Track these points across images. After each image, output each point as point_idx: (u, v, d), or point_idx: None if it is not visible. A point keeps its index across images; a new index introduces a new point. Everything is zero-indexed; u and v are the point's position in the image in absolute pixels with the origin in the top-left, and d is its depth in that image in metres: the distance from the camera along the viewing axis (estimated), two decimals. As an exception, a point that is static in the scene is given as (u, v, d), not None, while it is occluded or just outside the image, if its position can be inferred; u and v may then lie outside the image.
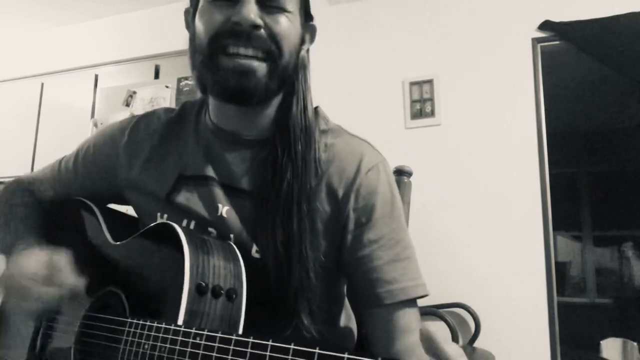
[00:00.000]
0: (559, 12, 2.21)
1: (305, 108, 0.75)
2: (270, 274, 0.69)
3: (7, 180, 0.94)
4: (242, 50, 0.67)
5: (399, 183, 1.11)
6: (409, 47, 2.46)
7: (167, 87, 2.98)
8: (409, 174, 1.14)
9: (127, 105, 3.05)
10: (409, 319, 0.71)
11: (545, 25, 2.22)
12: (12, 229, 0.84)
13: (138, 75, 3.14)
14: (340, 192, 0.72)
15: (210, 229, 0.74)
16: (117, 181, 0.84)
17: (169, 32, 2.99)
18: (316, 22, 0.79)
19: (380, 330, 0.72)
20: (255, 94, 0.69)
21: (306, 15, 0.76)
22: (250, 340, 0.48)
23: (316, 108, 0.80)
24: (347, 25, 2.59)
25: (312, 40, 0.79)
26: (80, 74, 3.31)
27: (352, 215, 0.72)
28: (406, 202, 1.10)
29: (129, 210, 0.87)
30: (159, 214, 0.77)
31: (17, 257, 0.73)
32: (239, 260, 0.66)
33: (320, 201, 0.72)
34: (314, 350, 0.42)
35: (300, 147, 0.72)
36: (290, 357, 0.44)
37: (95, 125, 3.09)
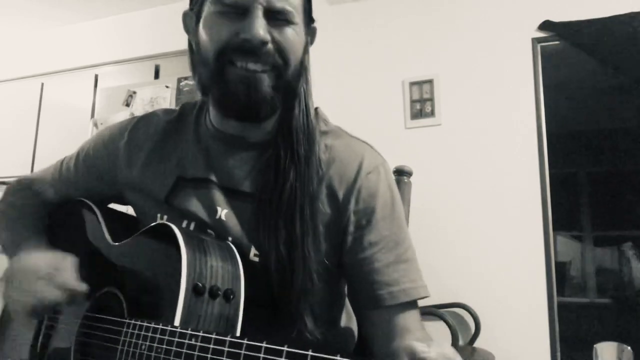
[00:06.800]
0: (559, 12, 2.21)
1: (307, 110, 0.74)
2: (270, 276, 0.69)
3: (7, 180, 0.94)
4: (250, 65, 0.67)
5: (399, 183, 1.11)
6: (409, 47, 2.46)
7: (167, 87, 2.98)
8: (409, 174, 1.14)
9: (127, 105, 3.05)
10: (408, 319, 0.71)
11: (545, 25, 2.22)
12: (16, 230, 0.85)
13: (138, 75, 3.14)
14: (341, 194, 0.72)
15: (209, 231, 0.74)
16: (117, 182, 0.84)
17: (169, 32, 2.99)
18: (316, 22, 0.79)
19: (379, 330, 0.72)
20: (261, 109, 0.69)
21: (309, 20, 0.76)
22: (245, 342, 0.48)
23: (316, 109, 0.80)
24: (347, 25, 2.59)
25: (312, 41, 0.79)
26: (80, 74, 3.31)
27: (352, 217, 0.72)
28: (406, 202, 1.10)
29: (129, 210, 0.87)
30: (158, 215, 0.77)
31: (20, 256, 0.73)
32: (237, 260, 0.66)
33: (322, 203, 0.72)
34: (307, 353, 0.42)
35: (302, 149, 0.72)
36: (283, 358, 0.44)
37: (95, 125, 3.09)
